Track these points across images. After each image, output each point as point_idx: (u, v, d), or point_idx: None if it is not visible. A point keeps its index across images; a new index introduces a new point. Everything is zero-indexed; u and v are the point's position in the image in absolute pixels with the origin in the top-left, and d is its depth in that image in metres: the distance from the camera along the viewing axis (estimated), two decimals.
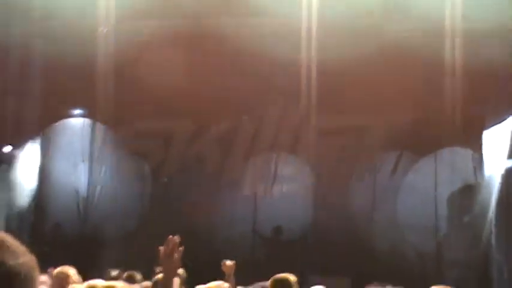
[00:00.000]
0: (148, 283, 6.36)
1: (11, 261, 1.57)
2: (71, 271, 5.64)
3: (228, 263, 5.97)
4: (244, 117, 12.24)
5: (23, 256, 1.61)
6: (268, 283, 4.98)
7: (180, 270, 6.15)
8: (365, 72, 11.16)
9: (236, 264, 6.63)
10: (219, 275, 5.96)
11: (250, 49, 11.27)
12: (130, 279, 6.41)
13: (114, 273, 7.65)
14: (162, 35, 11.66)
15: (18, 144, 12.94)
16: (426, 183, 11.54)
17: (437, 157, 11.61)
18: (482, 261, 11.26)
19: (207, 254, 11.07)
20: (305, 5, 11.59)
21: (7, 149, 12.89)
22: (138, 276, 7.20)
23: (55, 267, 5.82)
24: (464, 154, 11.71)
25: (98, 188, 12.52)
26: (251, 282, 6.86)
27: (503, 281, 11.58)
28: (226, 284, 5.10)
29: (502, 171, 11.84)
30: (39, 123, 12.97)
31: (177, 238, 3.38)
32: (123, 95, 12.13)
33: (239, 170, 12.21)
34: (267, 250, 11.66)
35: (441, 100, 11.36)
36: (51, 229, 12.50)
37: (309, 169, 11.96)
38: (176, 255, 3.35)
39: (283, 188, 12.12)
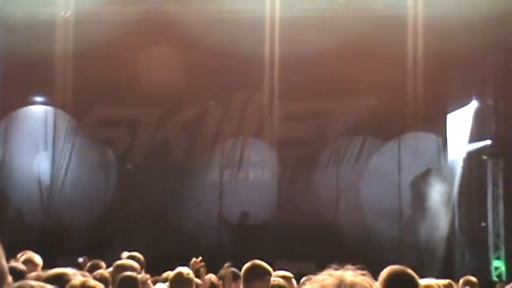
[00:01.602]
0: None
1: None
2: (36, 257, 5.59)
3: (227, 266, 5.97)
4: (210, 103, 12.21)
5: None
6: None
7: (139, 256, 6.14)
8: (328, 59, 11.21)
9: (203, 249, 6.61)
10: (186, 260, 5.96)
11: (215, 36, 11.23)
12: (95, 268, 6.37)
13: (80, 260, 7.59)
14: (125, 22, 11.54)
15: None
16: (390, 168, 11.66)
17: (401, 142, 11.73)
18: (445, 244, 11.44)
19: (174, 239, 11.06)
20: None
21: None
22: (103, 264, 7.16)
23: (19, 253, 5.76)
24: (427, 139, 11.85)
25: (61, 175, 12.40)
26: (218, 267, 6.87)
27: (464, 263, 11.79)
28: None
29: (464, 155, 12.03)
30: None
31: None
32: (86, 82, 11.99)
33: (205, 156, 12.19)
34: (234, 235, 11.68)
35: (404, 86, 11.46)
36: (14, 216, 12.35)
37: (274, 155, 11.99)
38: None
39: (249, 174, 12.14)
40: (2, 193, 12.57)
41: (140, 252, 6.37)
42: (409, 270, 3.49)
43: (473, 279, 6.89)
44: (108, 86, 11.85)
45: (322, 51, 11.07)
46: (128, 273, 5.05)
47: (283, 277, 5.28)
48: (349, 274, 1.78)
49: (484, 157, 12.13)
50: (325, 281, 1.77)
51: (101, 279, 4.61)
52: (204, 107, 12.24)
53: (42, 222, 12.03)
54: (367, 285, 1.77)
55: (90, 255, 7.83)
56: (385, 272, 3.44)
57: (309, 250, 10.31)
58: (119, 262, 5.71)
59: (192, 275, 5.30)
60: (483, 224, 11.91)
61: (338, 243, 10.51)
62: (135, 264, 5.60)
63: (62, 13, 12.05)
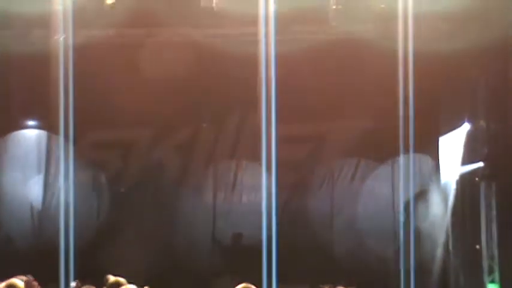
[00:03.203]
0: None
1: None
2: (19, 283, 5.54)
3: None
4: (203, 125, 12.23)
5: None
6: None
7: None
8: (320, 78, 11.29)
9: (197, 271, 6.58)
10: (179, 283, 5.91)
11: (208, 57, 11.29)
12: None
13: (72, 285, 7.53)
14: (119, 43, 11.59)
15: None
16: (384, 190, 11.68)
17: (394, 164, 11.76)
18: (439, 266, 11.40)
19: (167, 261, 11.02)
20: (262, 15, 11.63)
21: None
22: None
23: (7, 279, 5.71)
24: (420, 160, 11.88)
25: (53, 199, 12.35)
26: None
27: (459, 286, 11.75)
28: None
29: (457, 177, 12.06)
30: None
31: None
32: (79, 105, 11.96)
33: (199, 178, 12.19)
34: (227, 257, 11.64)
35: (396, 109, 11.50)
36: (4, 241, 12.27)
37: (268, 177, 11.98)
38: None
39: (243, 195, 12.14)
40: None
41: (133, 275, 6.32)
42: None
43: None
44: (100, 108, 11.86)
45: (315, 73, 11.13)
46: None
47: None
48: None
49: (477, 179, 12.16)
50: None
51: None
52: (197, 128, 12.26)
53: (33, 247, 11.94)
54: None
55: (83, 280, 7.77)
56: None
57: (304, 272, 10.28)
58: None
59: None
60: (477, 246, 11.88)
61: (332, 265, 10.49)
62: None
63: (57, 37, 12.07)
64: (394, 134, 11.35)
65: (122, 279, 6.12)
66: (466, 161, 12.00)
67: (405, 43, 11.05)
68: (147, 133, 12.34)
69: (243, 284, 4.73)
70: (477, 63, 11.25)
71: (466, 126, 12.13)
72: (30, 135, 12.77)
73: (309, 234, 11.41)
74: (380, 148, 11.71)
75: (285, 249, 11.29)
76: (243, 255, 11.44)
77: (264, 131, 11.43)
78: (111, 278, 6.32)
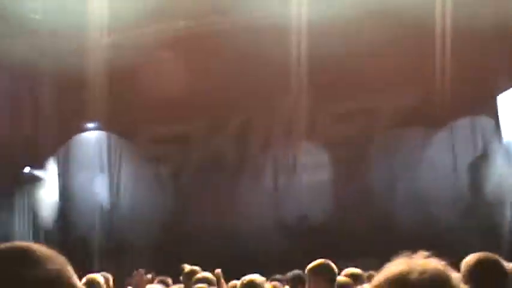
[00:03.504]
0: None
1: (35, 270, 1.58)
2: (100, 278, 5.75)
3: (217, 271, 6.09)
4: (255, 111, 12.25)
5: (49, 263, 1.62)
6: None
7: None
8: (364, 55, 11.18)
9: (264, 256, 6.64)
10: (247, 269, 6.02)
11: (250, 45, 11.32)
12: (163, 284, 6.51)
13: (148, 277, 7.73)
14: (162, 39, 11.73)
15: (36, 164, 13.07)
16: (444, 156, 11.51)
17: (452, 129, 11.58)
18: (508, 228, 11.21)
19: (234, 249, 11.14)
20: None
21: (27, 170, 13.04)
22: (169, 280, 7.30)
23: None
24: (479, 122, 11.66)
25: (119, 197, 12.64)
26: (279, 272, 6.89)
27: None
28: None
29: None
30: (53, 142, 13.10)
31: None
32: (133, 104, 12.21)
33: (258, 164, 12.26)
34: (293, 239, 11.68)
35: (450, 70, 11.31)
36: (78, 241, 12.60)
37: (326, 155, 11.98)
38: None
39: (302, 177, 12.14)
40: (65, 219, 12.87)
41: (204, 264, 6.46)
42: (496, 257, 3.36)
43: None
44: (153, 105, 12.04)
45: (354, 50, 11.04)
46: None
47: (352, 275, 5.27)
48: (420, 259, 1.72)
49: None
50: (392, 268, 1.72)
51: None
52: (249, 115, 12.31)
53: (105, 245, 12.26)
54: (443, 269, 1.72)
55: (156, 273, 7.97)
56: (470, 260, 3.31)
57: (372, 246, 10.25)
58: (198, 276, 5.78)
59: (264, 282, 5.31)
60: None
61: (399, 236, 10.43)
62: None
63: (101, 39, 12.30)
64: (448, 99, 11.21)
65: (197, 268, 6.28)
66: None
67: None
68: (203, 124, 12.46)
69: (321, 260, 4.78)
70: None
71: None
72: (91, 137, 13.07)
73: (373, 209, 11.36)
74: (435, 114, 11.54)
75: (349, 226, 11.30)
76: (309, 236, 11.47)
77: None
78: (187, 267, 6.49)
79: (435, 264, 1.71)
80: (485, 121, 11.71)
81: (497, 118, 11.75)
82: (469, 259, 3.29)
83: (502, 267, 3.27)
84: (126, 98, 12.27)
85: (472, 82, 11.14)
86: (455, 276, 1.76)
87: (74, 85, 12.19)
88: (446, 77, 11.26)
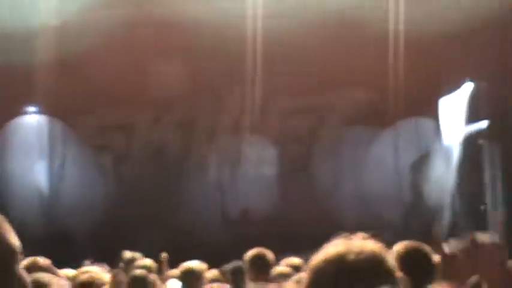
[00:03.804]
0: None
1: None
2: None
3: (164, 255, 6.03)
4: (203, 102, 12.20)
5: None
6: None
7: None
8: (318, 52, 11.26)
9: (206, 247, 6.62)
10: (189, 260, 5.97)
11: (202, 35, 11.25)
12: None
13: (87, 263, 7.60)
14: (112, 26, 11.54)
15: None
16: (388, 155, 11.68)
17: (397, 129, 11.75)
18: (444, 228, 11.44)
19: (176, 239, 11.07)
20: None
21: None
22: (106, 267, 7.17)
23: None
24: (422, 124, 11.86)
25: (60, 184, 12.39)
26: (222, 264, 6.86)
27: None
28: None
29: (460, 138, 12.02)
30: None
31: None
32: (78, 89, 11.97)
33: (203, 156, 12.20)
34: (236, 232, 11.68)
35: (394, 72, 11.47)
36: (15, 227, 12.29)
37: (273, 150, 12.01)
38: None
39: (248, 170, 12.14)
40: (2, 205, 12.53)
41: (145, 254, 6.37)
42: (423, 246, 3.47)
43: None
44: (99, 91, 11.84)
45: (306, 44, 11.11)
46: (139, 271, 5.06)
47: (292, 265, 5.30)
48: (359, 240, 1.73)
49: (481, 140, 12.12)
50: (330, 249, 1.72)
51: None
52: (197, 106, 12.24)
53: (43, 232, 12.00)
54: (379, 250, 1.72)
55: (96, 259, 7.84)
56: (399, 249, 3.40)
57: (314, 241, 10.32)
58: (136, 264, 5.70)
59: (204, 269, 5.29)
60: (482, 207, 11.90)
61: (340, 232, 10.52)
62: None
63: (50, 22, 12.03)
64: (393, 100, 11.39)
65: (137, 254, 6.19)
66: (469, 121, 11.96)
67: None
68: (149, 113, 12.33)
69: (256, 250, 4.79)
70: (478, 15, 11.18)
71: (468, 86, 12.08)
72: (31, 121, 12.77)
73: (316, 205, 11.43)
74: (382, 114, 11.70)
75: (292, 220, 11.37)
76: (251, 229, 11.49)
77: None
78: (128, 254, 6.39)
79: (372, 245, 1.71)
80: (428, 123, 11.92)
81: (440, 120, 11.98)
82: (398, 247, 3.38)
83: (428, 255, 3.38)
84: (71, 83, 12.02)
85: (417, 84, 11.32)
86: (392, 257, 1.78)
87: (18, 68, 11.87)
88: (395, 78, 11.42)
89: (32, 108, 12.87)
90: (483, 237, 2.55)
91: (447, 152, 11.92)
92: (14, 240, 1.65)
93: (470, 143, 12.08)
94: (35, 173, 12.57)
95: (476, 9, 10.95)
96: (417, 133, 11.91)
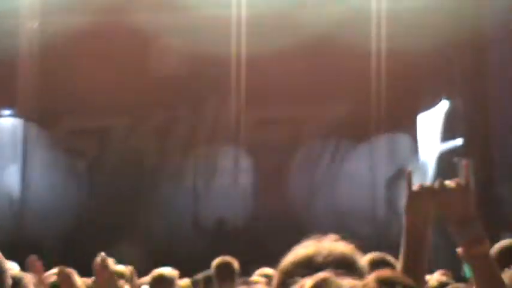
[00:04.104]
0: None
1: None
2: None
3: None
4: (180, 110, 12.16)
5: None
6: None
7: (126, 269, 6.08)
8: (296, 63, 11.29)
9: (179, 256, 6.57)
10: (162, 266, 5.92)
11: (181, 41, 11.23)
12: None
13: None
14: (90, 30, 11.46)
15: None
16: (363, 170, 11.72)
17: (373, 144, 11.80)
18: None
19: (149, 247, 10.99)
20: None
21: None
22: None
23: None
24: (398, 140, 11.92)
25: (32, 188, 12.23)
26: (195, 273, 6.82)
27: (438, 263, 11.82)
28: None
29: (435, 155, 12.11)
30: None
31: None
32: (53, 93, 11.87)
33: (178, 163, 12.14)
34: (209, 241, 11.63)
35: (371, 87, 11.55)
36: None
37: (248, 161, 11.99)
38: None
39: (223, 180, 12.10)
40: None
41: (116, 260, 6.28)
42: (388, 257, 3.52)
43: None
44: (75, 95, 11.75)
45: (287, 55, 11.15)
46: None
47: (265, 275, 5.28)
48: (328, 242, 1.71)
49: (455, 158, 12.21)
50: (300, 251, 1.70)
51: None
52: (174, 113, 12.19)
53: (14, 237, 11.83)
54: (349, 252, 1.70)
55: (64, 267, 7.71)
56: (368, 258, 3.43)
57: (286, 252, 10.30)
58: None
59: (175, 276, 5.25)
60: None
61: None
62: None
63: (29, 24, 11.92)
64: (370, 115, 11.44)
65: (110, 259, 6.09)
66: (444, 139, 12.06)
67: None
68: (125, 119, 12.24)
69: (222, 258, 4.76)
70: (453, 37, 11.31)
71: (444, 104, 12.19)
72: (5, 123, 12.61)
73: (290, 217, 11.42)
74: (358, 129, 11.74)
75: (266, 232, 11.34)
76: (225, 239, 11.44)
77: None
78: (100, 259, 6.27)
79: (342, 247, 1.70)
80: (404, 139, 11.99)
81: (416, 137, 12.06)
82: (368, 257, 3.44)
83: (392, 265, 3.42)
84: (47, 86, 11.91)
85: (395, 100, 11.39)
86: (361, 259, 1.77)
87: None
88: (372, 93, 11.49)
89: (6, 111, 12.73)
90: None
91: (422, 169, 11.98)
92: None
93: (446, 160, 12.17)
94: (6, 177, 12.41)
95: (454, 29, 11.07)
96: (393, 149, 11.97)
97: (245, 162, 12.00)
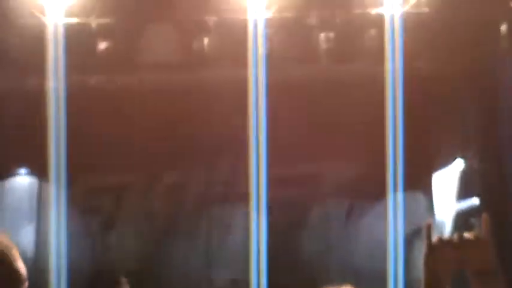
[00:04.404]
0: None
1: None
2: None
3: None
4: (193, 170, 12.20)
5: None
6: None
7: None
8: (309, 120, 11.40)
9: None
10: None
11: (194, 102, 11.37)
12: None
13: None
14: (108, 88, 11.64)
15: None
16: (378, 229, 11.65)
17: (389, 203, 11.74)
18: None
19: None
20: (251, 64, 11.77)
21: None
22: None
23: None
24: (414, 198, 11.87)
25: (47, 247, 12.23)
26: None
27: None
28: None
29: (452, 214, 12.03)
30: None
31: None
32: (71, 150, 11.97)
33: (192, 222, 12.12)
34: None
35: (386, 146, 11.58)
36: None
37: (262, 218, 11.94)
38: None
39: (236, 239, 12.05)
40: None
41: None
42: None
43: None
44: (91, 154, 11.84)
45: (304, 112, 11.26)
46: None
47: None
48: None
49: (472, 218, 12.14)
50: None
51: None
52: (189, 172, 12.24)
53: None
54: None
55: None
56: None
57: None
58: None
59: None
60: None
61: None
62: None
63: (48, 82, 12.10)
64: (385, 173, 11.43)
65: None
66: (461, 198, 12.00)
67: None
68: (140, 178, 12.29)
69: None
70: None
71: (459, 163, 12.17)
72: (22, 182, 12.70)
73: (306, 275, 11.32)
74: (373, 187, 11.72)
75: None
76: None
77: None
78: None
79: None
80: (420, 198, 11.94)
81: (433, 195, 12.02)
82: None
83: None
84: (64, 144, 12.03)
85: (411, 159, 11.41)
86: None
87: (6, 126, 11.88)
88: (389, 152, 11.53)
89: (23, 170, 12.84)
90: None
91: (439, 228, 11.89)
92: (22, 268, 1.76)
93: (462, 219, 12.08)
94: (21, 236, 12.43)
95: (466, 90, 11.20)
96: (409, 207, 11.92)
97: (259, 221, 11.96)
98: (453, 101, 11.42)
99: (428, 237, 2.57)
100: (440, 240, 2.54)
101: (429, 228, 2.63)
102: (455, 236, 2.55)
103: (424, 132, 11.61)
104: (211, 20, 11.28)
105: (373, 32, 11.19)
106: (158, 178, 12.24)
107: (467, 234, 2.55)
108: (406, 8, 10.95)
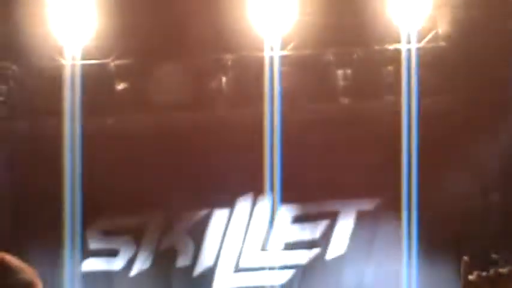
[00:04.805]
0: None
1: (10, 279, 1.76)
2: None
3: None
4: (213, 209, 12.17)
5: (22, 273, 1.80)
6: None
7: None
8: (327, 160, 11.43)
9: None
10: None
11: (212, 140, 11.43)
12: None
13: None
14: (124, 128, 11.70)
15: None
16: (396, 266, 11.63)
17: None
18: None
19: None
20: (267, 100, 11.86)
21: None
22: None
23: None
24: None
25: None
26: None
27: None
28: None
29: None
30: None
31: None
32: (88, 195, 11.97)
33: (211, 262, 12.06)
34: None
35: (403, 181, 11.58)
36: None
37: (281, 258, 11.92)
38: None
39: (256, 279, 11.98)
40: None
41: None
42: None
43: None
44: (109, 196, 11.83)
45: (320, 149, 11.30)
46: None
47: None
48: None
49: (494, 254, 11.97)
50: None
51: None
52: (208, 212, 12.21)
53: None
54: None
55: None
56: None
57: None
58: None
59: None
60: None
61: None
62: None
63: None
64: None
65: None
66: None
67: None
68: (159, 218, 12.23)
69: None
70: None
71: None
72: None
73: None
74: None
75: None
76: None
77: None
78: None
79: None
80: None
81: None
82: None
83: None
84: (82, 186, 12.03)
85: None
86: None
87: None
88: (404, 188, 11.53)
89: None
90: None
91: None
92: (35, 278, 1.84)
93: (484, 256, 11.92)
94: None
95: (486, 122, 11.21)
96: None
97: (278, 261, 11.93)
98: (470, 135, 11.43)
99: (465, 273, 2.66)
100: (478, 276, 2.64)
101: (466, 264, 2.71)
102: (492, 272, 2.63)
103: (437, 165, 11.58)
104: (228, 58, 11.38)
105: (390, 68, 11.27)
106: (177, 216, 12.20)
107: (502, 270, 2.63)
108: (422, 43, 11.05)
